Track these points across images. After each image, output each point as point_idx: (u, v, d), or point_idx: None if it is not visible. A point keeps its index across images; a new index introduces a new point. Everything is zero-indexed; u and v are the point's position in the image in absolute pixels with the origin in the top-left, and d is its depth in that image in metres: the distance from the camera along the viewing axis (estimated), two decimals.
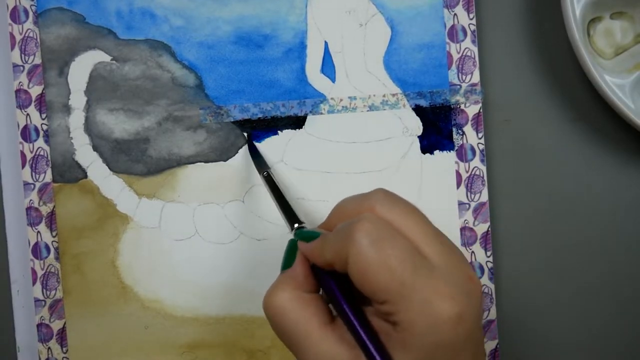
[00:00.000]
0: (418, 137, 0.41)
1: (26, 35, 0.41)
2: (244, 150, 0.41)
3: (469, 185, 0.41)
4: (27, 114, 0.41)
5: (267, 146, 0.42)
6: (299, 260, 0.33)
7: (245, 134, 0.41)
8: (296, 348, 0.31)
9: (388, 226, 0.30)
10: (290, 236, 0.34)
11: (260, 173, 0.39)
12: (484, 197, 0.41)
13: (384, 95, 0.41)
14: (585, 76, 0.40)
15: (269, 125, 0.41)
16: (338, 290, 0.31)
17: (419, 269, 0.29)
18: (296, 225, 0.35)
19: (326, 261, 0.31)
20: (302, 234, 0.34)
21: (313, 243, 0.32)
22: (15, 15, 0.41)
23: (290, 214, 0.36)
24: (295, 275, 0.32)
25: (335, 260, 0.31)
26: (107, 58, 0.41)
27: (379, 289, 0.29)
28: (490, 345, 0.41)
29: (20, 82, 0.41)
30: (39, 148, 0.41)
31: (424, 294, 0.29)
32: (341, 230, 0.31)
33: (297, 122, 0.41)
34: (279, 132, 0.41)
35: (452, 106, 0.41)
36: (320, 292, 0.33)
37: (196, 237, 0.42)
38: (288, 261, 0.33)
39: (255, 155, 0.41)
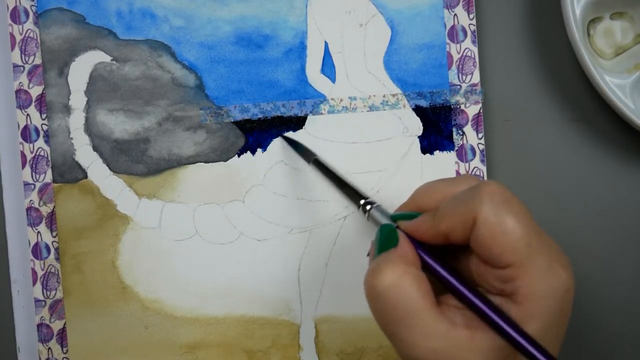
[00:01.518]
0: (418, 137, 0.41)
1: (26, 35, 0.41)
2: (280, 142, 0.41)
3: None
4: (28, 114, 0.41)
5: (267, 146, 0.42)
6: (404, 239, 0.32)
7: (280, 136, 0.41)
8: (402, 329, 0.30)
9: (510, 191, 0.30)
10: (358, 215, 0.33)
11: (308, 162, 0.39)
12: None
13: (384, 96, 0.41)
14: (585, 76, 0.40)
15: (269, 126, 0.41)
16: (451, 269, 0.30)
17: (541, 234, 0.30)
18: (362, 201, 0.35)
19: (440, 232, 0.31)
20: (397, 217, 0.33)
21: (420, 218, 0.32)
22: (15, 15, 0.41)
23: (354, 192, 0.36)
24: (403, 253, 0.31)
25: (455, 228, 0.30)
26: (107, 58, 0.41)
27: (507, 250, 0.29)
28: None
29: (20, 83, 0.41)
30: (39, 148, 0.41)
31: (546, 259, 0.29)
32: (463, 196, 0.30)
33: (297, 123, 0.41)
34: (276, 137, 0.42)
35: (452, 106, 0.41)
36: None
37: (196, 237, 0.42)
38: (385, 244, 0.32)
39: (297, 146, 0.40)
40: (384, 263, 0.30)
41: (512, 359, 0.29)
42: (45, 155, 0.41)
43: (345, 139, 0.41)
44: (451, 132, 0.41)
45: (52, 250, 0.41)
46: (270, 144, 0.42)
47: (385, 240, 0.32)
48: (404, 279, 0.30)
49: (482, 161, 0.41)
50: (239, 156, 0.42)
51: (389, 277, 0.30)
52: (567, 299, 0.29)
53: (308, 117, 0.41)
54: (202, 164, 0.42)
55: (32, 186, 0.41)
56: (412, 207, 0.33)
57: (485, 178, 0.41)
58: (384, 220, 0.33)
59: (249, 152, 0.41)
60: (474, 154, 0.41)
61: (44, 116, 0.41)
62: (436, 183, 0.33)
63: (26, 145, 0.41)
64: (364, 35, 0.41)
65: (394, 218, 0.33)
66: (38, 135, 0.41)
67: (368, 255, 0.34)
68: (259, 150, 0.41)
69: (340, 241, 0.41)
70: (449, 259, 0.32)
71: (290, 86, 0.41)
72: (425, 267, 0.31)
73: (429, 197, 0.32)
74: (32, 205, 0.41)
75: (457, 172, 0.41)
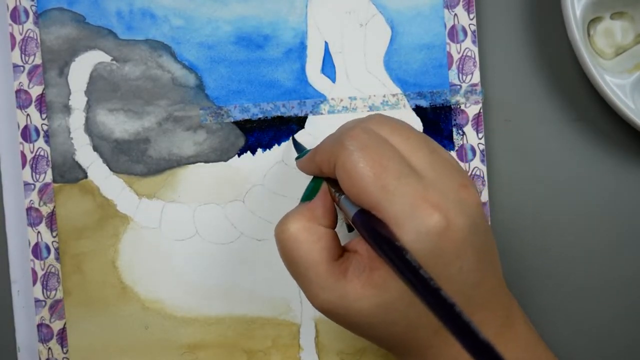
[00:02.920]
0: None
1: (26, 35, 0.41)
2: (289, 146, 0.41)
3: None
4: (28, 114, 0.41)
5: (267, 146, 0.42)
6: (321, 194, 0.33)
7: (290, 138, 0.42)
8: (301, 278, 0.32)
9: (379, 137, 0.31)
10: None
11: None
12: (484, 197, 0.41)
13: (384, 96, 0.41)
14: (585, 76, 0.40)
15: (270, 126, 0.41)
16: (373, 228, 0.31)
17: (404, 176, 0.30)
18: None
19: (315, 165, 0.33)
20: (302, 155, 0.36)
21: (306, 154, 0.34)
22: (15, 15, 0.41)
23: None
24: (313, 207, 0.33)
25: (323, 164, 0.32)
26: (107, 58, 0.41)
27: (362, 192, 0.30)
28: None
29: (20, 83, 0.41)
30: (39, 148, 0.41)
31: (408, 199, 0.29)
32: (332, 137, 0.32)
33: (297, 123, 0.41)
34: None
35: (452, 106, 0.41)
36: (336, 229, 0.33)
37: (196, 237, 0.42)
38: (309, 195, 0.34)
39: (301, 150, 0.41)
40: (290, 215, 0.32)
41: (394, 302, 0.30)
42: (45, 155, 0.41)
43: None
44: (451, 132, 0.41)
45: (52, 250, 0.41)
46: (274, 146, 0.42)
47: (309, 193, 0.34)
48: (302, 231, 0.31)
49: (482, 161, 0.41)
50: (239, 156, 0.42)
51: (291, 229, 0.32)
52: (445, 238, 0.29)
53: (308, 117, 0.41)
54: (202, 164, 0.42)
55: (32, 186, 0.41)
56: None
57: (486, 178, 0.41)
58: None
59: (249, 152, 0.41)
60: (474, 154, 0.41)
61: (44, 116, 0.41)
62: (346, 123, 0.35)
63: (26, 145, 0.41)
64: (364, 35, 0.41)
65: (300, 156, 0.37)
66: (38, 135, 0.41)
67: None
68: (259, 150, 0.41)
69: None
70: None
71: (291, 86, 0.41)
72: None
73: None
74: (32, 205, 0.41)
75: (467, 180, 0.41)
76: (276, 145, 0.42)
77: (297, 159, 0.38)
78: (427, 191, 0.29)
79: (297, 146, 0.41)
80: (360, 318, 0.31)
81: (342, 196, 0.32)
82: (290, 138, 0.41)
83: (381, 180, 0.29)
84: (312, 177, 0.36)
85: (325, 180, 0.34)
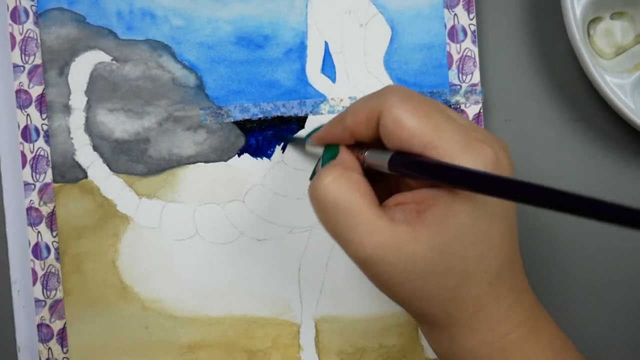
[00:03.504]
0: None
1: (26, 35, 0.41)
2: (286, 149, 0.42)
3: None
4: (28, 114, 0.41)
5: (268, 144, 0.42)
6: (343, 149, 0.33)
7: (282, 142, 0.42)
8: (346, 229, 0.30)
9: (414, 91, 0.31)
10: None
11: (307, 143, 0.39)
12: None
13: None
14: (585, 76, 0.40)
15: (270, 126, 0.41)
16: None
17: (450, 118, 0.30)
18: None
19: (345, 128, 0.32)
20: (315, 130, 0.36)
21: (329, 121, 0.34)
22: (15, 15, 0.41)
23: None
24: (341, 161, 0.32)
25: (360, 123, 0.31)
26: (107, 58, 0.41)
27: (414, 133, 0.29)
28: None
29: (20, 83, 0.41)
30: (39, 148, 0.41)
31: (460, 136, 0.29)
32: (368, 96, 0.32)
33: (297, 123, 0.41)
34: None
35: (452, 106, 0.41)
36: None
37: (196, 237, 0.42)
38: (327, 159, 0.33)
39: (295, 141, 0.41)
40: (323, 171, 0.31)
41: (452, 243, 0.29)
42: (46, 155, 0.41)
43: None
44: None
45: (52, 250, 0.41)
46: (274, 152, 0.42)
47: (328, 157, 0.33)
48: (341, 180, 0.30)
49: None
50: (239, 156, 0.42)
51: (327, 181, 0.30)
52: (498, 169, 0.29)
53: (308, 117, 0.41)
54: (202, 164, 0.42)
55: (32, 186, 0.41)
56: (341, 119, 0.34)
57: None
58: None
59: (249, 152, 0.41)
60: None
61: (44, 116, 0.41)
62: (362, 98, 0.34)
63: (26, 145, 0.41)
64: (364, 35, 0.41)
65: (313, 131, 0.36)
66: (38, 135, 0.41)
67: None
68: (263, 155, 0.41)
69: None
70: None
71: (291, 86, 0.41)
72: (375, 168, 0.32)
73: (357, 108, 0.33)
74: (32, 205, 0.41)
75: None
76: (277, 146, 0.42)
77: (309, 135, 0.36)
78: (473, 132, 0.30)
79: (294, 140, 0.41)
80: (412, 264, 0.29)
81: (367, 151, 0.32)
82: (287, 142, 0.41)
83: (432, 119, 0.29)
84: (325, 147, 0.35)
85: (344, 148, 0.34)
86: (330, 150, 0.34)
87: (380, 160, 0.31)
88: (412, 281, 0.29)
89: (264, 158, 0.41)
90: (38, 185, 0.41)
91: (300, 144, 0.41)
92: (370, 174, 0.33)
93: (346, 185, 0.30)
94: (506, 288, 0.31)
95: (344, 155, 0.33)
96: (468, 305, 0.30)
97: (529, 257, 0.43)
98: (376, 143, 0.32)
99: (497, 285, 0.30)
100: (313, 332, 0.42)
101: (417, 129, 0.29)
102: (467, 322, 0.30)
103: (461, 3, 0.41)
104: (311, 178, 0.35)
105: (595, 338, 0.42)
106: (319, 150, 0.36)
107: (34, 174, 0.41)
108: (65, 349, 0.41)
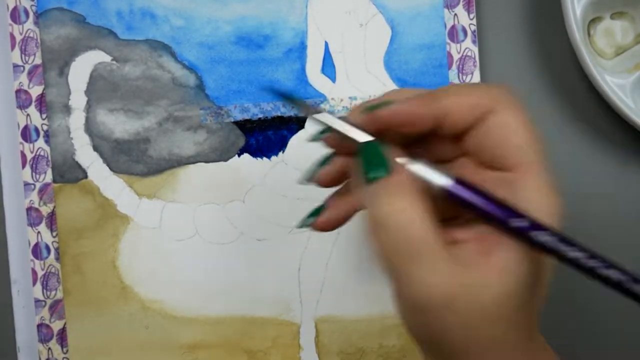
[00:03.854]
0: None
1: (26, 35, 0.41)
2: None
3: None
4: (28, 114, 0.41)
5: (268, 144, 0.42)
6: (397, 164, 0.27)
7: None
8: (409, 263, 0.26)
9: None
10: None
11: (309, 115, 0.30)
12: None
13: None
14: (585, 76, 0.40)
15: (270, 126, 0.41)
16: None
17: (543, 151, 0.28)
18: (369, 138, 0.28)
19: (439, 110, 0.27)
20: (372, 107, 0.27)
21: (410, 99, 0.27)
22: (15, 15, 0.41)
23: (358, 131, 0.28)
24: (408, 182, 0.26)
25: (459, 109, 0.27)
26: (107, 58, 0.41)
27: (524, 146, 0.27)
28: None
29: (20, 83, 0.41)
30: (39, 148, 0.41)
31: (548, 174, 0.27)
32: (476, 85, 0.29)
33: (297, 122, 0.41)
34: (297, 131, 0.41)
35: None
36: None
37: (196, 237, 0.42)
38: (375, 167, 0.27)
39: (294, 100, 0.31)
40: (388, 190, 0.26)
41: (528, 293, 0.27)
42: (46, 155, 0.41)
43: None
44: None
45: (52, 251, 0.41)
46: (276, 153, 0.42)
47: (375, 163, 0.27)
48: (414, 210, 0.26)
49: None
50: (239, 156, 0.42)
51: (399, 208, 0.26)
52: (558, 217, 0.28)
53: (308, 117, 0.41)
54: (203, 164, 0.42)
55: (32, 186, 0.41)
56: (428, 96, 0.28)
57: None
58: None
59: (249, 152, 0.41)
60: None
61: (44, 116, 0.41)
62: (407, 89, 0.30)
63: (26, 145, 0.41)
64: (364, 35, 0.41)
65: (371, 108, 0.27)
66: (38, 135, 0.41)
67: (306, 180, 0.31)
68: (263, 155, 0.41)
69: (340, 241, 0.41)
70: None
71: (291, 86, 0.41)
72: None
73: (401, 94, 0.28)
74: (32, 205, 0.41)
75: None
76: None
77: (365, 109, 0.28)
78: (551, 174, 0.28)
79: (287, 97, 0.30)
80: (481, 314, 0.26)
81: (420, 164, 0.27)
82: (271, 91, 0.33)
83: (538, 144, 0.27)
84: (361, 146, 0.28)
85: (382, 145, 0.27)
86: (380, 162, 0.27)
87: (434, 179, 0.27)
88: (476, 330, 0.26)
89: (264, 158, 0.41)
90: (38, 185, 0.41)
91: (302, 108, 0.31)
92: None
93: (420, 216, 0.26)
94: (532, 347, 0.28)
95: (406, 174, 0.27)
96: (504, 355, 0.27)
97: None
98: (432, 142, 0.28)
99: (537, 339, 0.29)
100: (313, 332, 0.42)
101: (529, 143, 0.27)
102: None
103: (461, 3, 0.41)
104: (308, 179, 0.30)
105: None
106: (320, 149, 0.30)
107: (34, 174, 0.41)
108: (65, 349, 0.41)
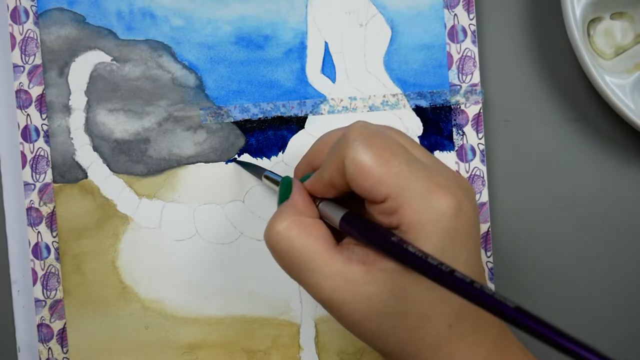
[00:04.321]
0: (418, 137, 0.41)
1: (26, 35, 0.41)
2: (234, 167, 0.41)
3: None
4: (28, 115, 0.41)
5: (268, 144, 0.42)
6: (296, 189, 0.33)
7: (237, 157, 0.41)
8: (303, 274, 0.31)
9: (379, 128, 0.31)
10: None
11: (260, 178, 0.39)
12: (484, 197, 0.41)
13: (384, 96, 0.41)
14: (585, 76, 0.40)
15: (270, 126, 0.41)
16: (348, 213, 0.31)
17: (413, 163, 0.30)
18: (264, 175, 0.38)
19: (325, 182, 0.32)
20: (302, 179, 0.35)
21: (313, 176, 0.33)
22: (15, 15, 0.41)
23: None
24: (294, 203, 0.32)
25: (333, 175, 0.31)
26: (107, 58, 0.41)
27: (377, 183, 0.29)
28: None
29: (20, 83, 0.41)
30: (39, 148, 0.41)
31: (422, 183, 0.29)
32: (335, 144, 0.31)
33: (297, 123, 0.41)
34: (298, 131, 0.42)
35: (452, 106, 0.41)
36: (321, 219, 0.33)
37: (196, 237, 0.42)
38: (283, 197, 0.34)
39: (248, 166, 0.41)
40: (275, 216, 0.32)
41: (406, 287, 0.29)
42: (46, 155, 0.41)
43: None
44: (451, 132, 0.41)
45: (52, 250, 0.41)
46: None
47: (283, 194, 0.34)
48: (291, 228, 0.31)
49: (482, 161, 0.41)
50: (239, 156, 0.42)
51: (280, 228, 0.31)
52: (459, 219, 0.29)
53: (308, 117, 0.41)
54: (203, 164, 0.42)
55: (32, 186, 0.41)
56: (311, 157, 0.35)
57: (486, 178, 0.41)
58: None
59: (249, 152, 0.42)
60: (474, 154, 0.41)
61: (44, 116, 0.41)
62: (328, 134, 0.34)
63: (26, 145, 0.41)
64: (364, 35, 0.41)
65: (288, 180, 0.35)
66: (38, 135, 0.41)
67: None
68: (263, 155, 0.41)
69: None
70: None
71: (291, 86, 0.41)
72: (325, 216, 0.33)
73: (323, 145, 0.34)
74: (32, 205, 0.41)
75: (457, 172, 0.41)
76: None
77: (279, 194, 0.36)
78: (435, 176, 0.30)
79: (248, 165, 0.41)
80: (367, 306, 0.30)
81: (321, 203, 0.33)
82: (234, 163, 0.41)
83: (394, 167, 0.29)
84: (280, 181, 0.36)
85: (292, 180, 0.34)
86: (286, 186, 0.35)
87: (332, 215, 0.32)
88: (370, 321, 0.30)
89: (264, 158, 0.41)
90: (38, 185, 0.41)
91: (256, 172, 0.40)
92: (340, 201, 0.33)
93: (299, 231, 0.31)
94: (469, 326, 0.30)
95: (296, 196, 0.33)
96: (428, 347, 0.30)
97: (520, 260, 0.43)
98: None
99: (458, 325, 0.30)
100: (313, 332, 0.42)
101: (379, 178, 0.29)
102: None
103: (461, 3, 0.41)
104: (280, 203, 0.35)
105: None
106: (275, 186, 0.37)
107: (34, 174, 0.41)
108: (65, 349, 0.41)
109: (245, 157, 0.42)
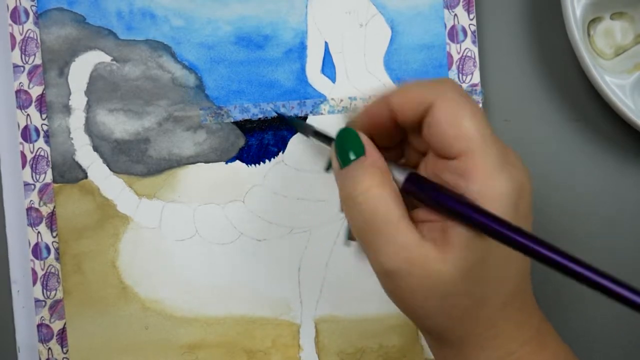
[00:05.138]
0: None
1: (26, 35, 0.41)
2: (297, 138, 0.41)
3: None
4: (28, 115, 0.41)
5: (268, 144, 0.42)
6: (370, 145, 0.31)
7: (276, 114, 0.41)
8: (377, 239, 0.29)
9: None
10: None
11: (307, 136, 0.38)
12: None
13: None
14: (585, 76, 0.40)
15: (270, 126, 0.41)
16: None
17: (494, 135, 0.30)
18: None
19: (391, 107, 0.30)
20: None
21: (373, 100, 0.31)
22: (15, 15, 0.41)
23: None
24: (375, 161, 0.30)
25: (408, 105, 0.30)
26: (107, 58, 0.41)
27: (460, 134, 0.29)
28: None
29: (20, 83, 0.41)
30: (39, 148, 0.41)
31: (499, 155, 0.29)
32: (422, 81, 0.31)
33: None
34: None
35: None
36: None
37: (196, 237, 0.42)
38: (347, 153, 0.31)
39: (293, 122, 0.39)
40: (359, 172, 0.30)
41: (474, 268, 0.29)
42: (46, 156, 0.41)
43: None
44: None
45: (52, 251, 0.41)
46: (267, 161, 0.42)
47: (348, 149, 0.31)
48: (384, 187, 0.29)
49: None
50: (239, 156, 0.42)
51: (365, 187, 0.29)
52: (523, 200, 0.29)
53: (308, 117, 0.41)
54: (203, 164, 0.42)
55: (32, 186, 0.41)
56: (371, 115, 0.32)
57: None
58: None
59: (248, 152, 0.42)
60: None
61: (44, 116, 0.41)
62: (415, 82, 0.32)
63: (26, 145, 0.41)
64: (364, 35, 0.41)
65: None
66: (38, 136, 0.41)
67: (327, 170, 0.34)
68: (264, 159, 0.42)
69: (340, 241, 0.41)
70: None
71: (291, 86, 0.41)
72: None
73: (398, 105, 0.31)
74: (32, 205, 0.41)
75: None
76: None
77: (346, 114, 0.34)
78: (510, 155, 0.30)
79: (287, 120, 0.40)
80: (437, 283, 0.29)
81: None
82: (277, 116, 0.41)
83: (482, 128, 0.29)
84: (338, 134, 0.31)
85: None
86: (350, 142, 0.31)
87: (394, 175, 0.30)
88: (433, 299, 0.29)
89: (264, 158, 0.41)
90: (38, 185, 0.41)
91: (306, 131, 0.38)
92: None
93: (388, 194, 0.29)
94: (517, 307, 0.31)
95: (376, 154, 0.31)
96: (481, 324, 0.30)
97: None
98: (400, 137, 0.32)
99: (510, 305, 0.30)
100: (313, 332, 0.42)
101: (467, 131, 0.29)
102: (477, 340, 0.30)
103: (461, 3, 0.41)
104: (327, 169, 0.33)
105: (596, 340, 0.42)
106: (323, 147, 0.35)
107: (34, 174, 0.41)
108: (65, 349, 0.41)
109: (245, 158, 0.42)
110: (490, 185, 0.28)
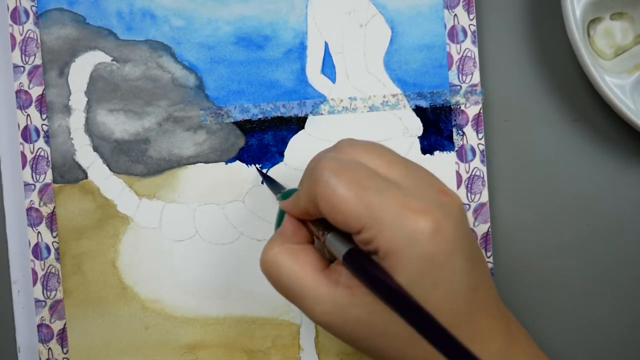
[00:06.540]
0: (418, 137, 0.41)
1: (27, 36, 0.41)
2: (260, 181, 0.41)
3: (469, 185, 0.41)
4: (28, 115, 0.41)
5: (268, 145, 0.42)
6: (286, 217, 0.34)
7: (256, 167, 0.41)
8: (295, 298, 0.32)
9: (349, 159, 0.31)
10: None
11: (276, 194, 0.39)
12: (484, 197, 0.41)
13: (384, 96, 0.41)
14: (585, 76, 0.40)
15: (270, 126, 0.41)
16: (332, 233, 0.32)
17: (384, 190, 0.30)
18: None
19: (301, 210, 0.33)
20: (284, 195, 0.37)
21: (289, 198, 0.34)
22: (15, 15, 0.41)
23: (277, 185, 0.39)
24: (283, 231, 0.34)
25: (308, 205, 0.32)
26: (107, 59, 0.41)
27: (348, 217, 0.30)
28: None
29: (20, 83, 0.41)
30: (39, 149, 0.41)
31: (394, 211, 0.29)
32: (306, 177, 0.32)
33: (297, 123, 0.41)
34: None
35: (452, 107, 0.41)
36: (315, 243, 0.34)
37: (196, 237, 0.42)
38: (278, 223, 0.36)
39: (269, 180, 0.41)
40: (267, 244, 0.34)
41: (392, 313, 0.29)
42: (46, 156, 0.41)
43: None
44: (451, 132, 0.41)
45: (52, 251, 0.41)
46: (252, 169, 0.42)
47: (278, 221, 0.36)
48: (279, 256, 0.32)
49: (482, 161, 0.41)
50: (238, 157, 0.42)
51: (269, 255, 0.33)
52: (436, 241, 0.29)
53: (308, 118, 0.41)
54: (203, 164, 0.42)
55: (33, 186, 0.41)
56: (302, 180, 0.35)
57: (486, 179, 0.41)
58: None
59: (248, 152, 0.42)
60: (474, 155, 0.41)
61: (44, 116, 0.41)
62: (318, 154, 0.34)
63: (26, 145, 0.41)
64: (364, 35, 0.41)
65: (281, 196, 0.37)
66: (38, 136, 0.41)
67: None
68: (262, 157, 0.42)
69: None
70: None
71: (291, 86, 0.41)
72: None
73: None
74: (33, 205, 0.41)
75: (457, 173, 0.41)
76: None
77: (281, 198, 0.37)
78: (410, 199, 0.30)
79: (267, 179, 0.40)
80: (356, 327, 0.30)
81: (328, 235, 0.33)
82: (255, 169, 0.41)
83: (363, 199, 0.30)
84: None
85: (311, 223, 0.34)
86: (280, 214, 0.36)
87: (337, 252, 0.32)
88: (362, 340, 0.31)
89: (264, 159, 0.41)
90: (38, 185, 0.41)
91: (273, 187, 0.40)
92: None
93: (284, 260, 0.32)
94: (463, 334, 0.30)
95: (286, 223, 0.34)
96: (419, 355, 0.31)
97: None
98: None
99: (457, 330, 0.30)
100: (313, 332, 0.42)
101: (351, 211, 0.30)
102: None
103: (461, 3, 0.41)
104: (276, 227, 0.37)
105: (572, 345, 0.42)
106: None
107: (34, 174, 0.41)
108: (65, 349, 0.41)
109: (245, 158, 0.42)
110: (391, 244, 0.29)
